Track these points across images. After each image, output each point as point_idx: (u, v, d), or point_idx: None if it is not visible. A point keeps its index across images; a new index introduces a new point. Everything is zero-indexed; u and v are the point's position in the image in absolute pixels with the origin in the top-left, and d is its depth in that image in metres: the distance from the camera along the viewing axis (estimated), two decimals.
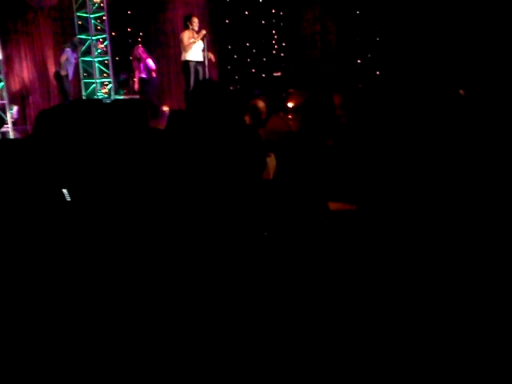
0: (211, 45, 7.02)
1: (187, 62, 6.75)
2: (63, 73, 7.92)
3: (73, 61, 8.15)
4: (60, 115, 2.31)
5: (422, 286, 2.07)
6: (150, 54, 9.33)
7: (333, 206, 2.57)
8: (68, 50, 8.02)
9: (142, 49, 9.11)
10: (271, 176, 2.99)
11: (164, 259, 2.11)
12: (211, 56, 6.97)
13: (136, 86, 9.12)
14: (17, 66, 8.84)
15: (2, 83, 8.01)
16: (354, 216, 2.52)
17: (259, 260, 2.24)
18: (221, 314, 1.97)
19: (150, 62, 9.08)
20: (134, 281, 2.02)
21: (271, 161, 3.04)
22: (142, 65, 8.96)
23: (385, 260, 2.26)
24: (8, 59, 8.51)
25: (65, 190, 2.09)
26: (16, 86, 8.83)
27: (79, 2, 9.45)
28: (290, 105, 7.86)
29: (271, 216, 2.52)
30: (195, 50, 6.71)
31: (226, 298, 2.03)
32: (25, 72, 8.97)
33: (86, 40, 9.53)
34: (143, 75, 8.97)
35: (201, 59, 6.75)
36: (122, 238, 2.15)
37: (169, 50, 10.31)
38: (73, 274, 2.01)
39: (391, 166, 2.89)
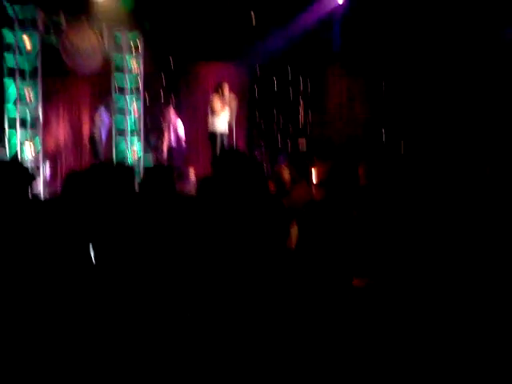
0: (239, 110, 7.21)
1: (213, 133, 6.88)
2: (97, 134, 8.20)
3: (106, 120, 8.44)
4: (88, 178, 2.38)
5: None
6: (180, 117, 9.64)
7: (356, 281, 2.51)
8: (102, 109, 8.35)
9: (173, 110, 9.41)
10: (293, 245, 2.96)
11: (185, 324, 2.09)
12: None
13: (165, 152, 9.36)
14: (54, 126, 9.22)
15: (39, 141, 8.34)
16: (378, 292, 2.46)
17: (281, 331, 2.18)
18: None
19: (180, 124, 9.33)
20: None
21: (294, 230, 3.03)
22: (172, 127, 9.20)
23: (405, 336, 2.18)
24: (46, 119, 8.89)
25: (91, 252, 2.11)
26: (51, 145, 9.17)
27: (117, 66, 9.96)
28: (315, 173, 7.93)
29: (293, 287, 2.47)
30: (222, 119, 6.85)
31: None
32: (60, 132, 9.34)
33: (120, 101, 9.98)
34: (172, 143, 9.20)
35: (225, 130, 6.87)
36: (145, 301, 2.14)
37: (199, 113, 10.67)
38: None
39: (415, 239, 2.85)
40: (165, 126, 9.35)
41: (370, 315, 2.32)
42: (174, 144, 9.24)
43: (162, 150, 9.57)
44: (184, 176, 9.05)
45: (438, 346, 2.13)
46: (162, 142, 9.55)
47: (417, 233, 2.90)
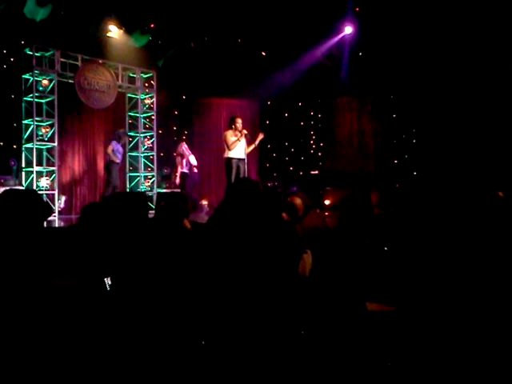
0: (252, 144, 7.31)
1: (229, 159, 7.03)
2: (113, 159, 8.37)
3: (120, 150, 8.61)
4: (105, 208, 2.42)
5: None
6: (193, 151, 9.80)
7: (371, 306, 2.49)
8: (113, 142, 8.53)
9: (185, 146, 9.60)
10: (307, 273, 2.95)
11: (199, 348, 2.08)
12: (260, 136, 7.20)
13: (177, 180, 9.50)
14: (69, 159, 9.43)
15: (55, 175, 8.53)
16: (393, 317, 2.43)
17: (296, 357, 2.16)
18: None
19: (192, 159, 9.51)
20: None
21: (308, 257, 3.02)
22: (184, 160, 9.38)
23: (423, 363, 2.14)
24: (62, 152, 9.12)
25: (106, 280, 2.13)
26: (67, 177, 9.35)
27: (132, 103, 10.23)
28: (327, 202, 7.94)
29: (308, 314, 2.46)
30: (238, 148, 7.00)
31: None
32: (76, 165, 9.53)
33: (134, 136, 10.21)
34: (185, 170, 9.36)
35: (243, 156, 7.02)
36: (158, 327, 2.14)
37: (211, 147, 10.83)
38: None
39: (430, 267, 2.83)
40: (178, 159, 9.50)
41: (383, 340, 2.29)
42: (186, 171, 9.38)
43: (174, 182, 9.70)
44: (197, 206, 9.13)
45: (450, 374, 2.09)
46: (175, 175, 9.69)
47: (430, 260, 2.89)
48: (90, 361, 1.99)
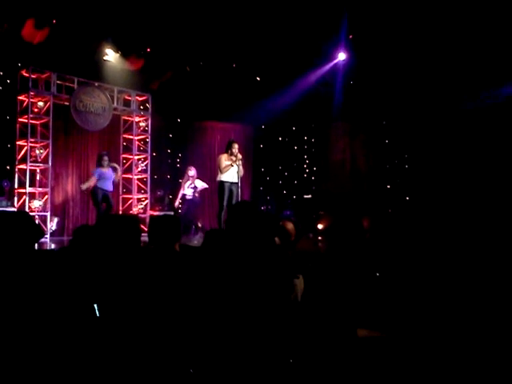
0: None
1: (222, 182, 7.07)
2: (84, 187, 8.02)
3: (106, 175, 8.16)
4: (96, 231, 2.42)
5: None
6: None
7: (361, 332, 2.49)
8: (98, 169, 8.05)
9: (192, 169, 9.37)
10: (299, 297, 2.95)
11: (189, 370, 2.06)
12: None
13: (176, 203, 9.44)
14: (63, 180, 9.40)
15: (48, 196, 8.50)
16: (383, 344, 2.43)
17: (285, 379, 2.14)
18: None
19: (199, 183, 9.39)
20: None
21: (299, 282, 3.02)
22: (188, 183, 9.23)
23: None
24: (55, 174, 9.10)
25: (95, 305, 2.12)
26: (59, 198, 9.31)
27: (126, 126, 10.29)
28: (320, 226, 7.95)
29: (297, 340, 2.44)
30: (230, 172, 7.04)
31: None
32: (69, 186, 9.50)
33: (128, 158, 10.23)
34: (186, 193, 9.25)
35: (235, 180, 7.05)
36: (147, 354, 2.12)
37: (205, 171, 10.85)
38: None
39: (421, 293, 2.83)
40: (183, 182, 9.36)
41: (374, 366, 2.28)
42: (190, 196, 9.29)
43: (167, 204, 9.63)
44: (191, 230, 9.08)
45: None
46: (169, 197, 9.66)
47: (421, 286, 2.89)
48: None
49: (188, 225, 9.11)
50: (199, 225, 9.48)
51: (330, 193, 10.59)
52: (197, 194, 9.37)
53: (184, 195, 9.32)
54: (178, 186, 9.68)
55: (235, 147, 7.10)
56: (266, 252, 2.62)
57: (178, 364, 2.14)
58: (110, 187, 8.12)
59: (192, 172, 9.27)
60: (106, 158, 8.16)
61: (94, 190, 7.95)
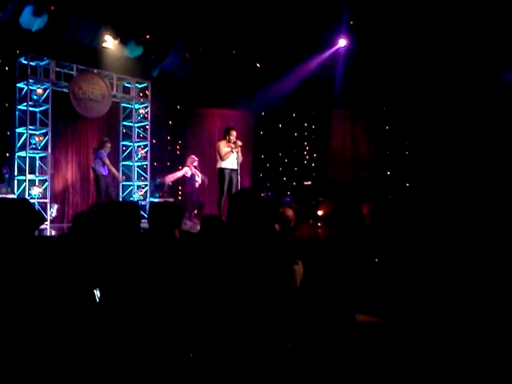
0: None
1: (222, 169, 7.07)
2: (97, 173, 8.28)
3: (102, 158, 8.37)
4: (96, 217, 2.42)
5: None
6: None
7: (360, 317, 2.50)
8: (100, 151, 8.39)
9: (197, 161, 9.39)
10: (298, 284, 2.95)
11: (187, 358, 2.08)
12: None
13: (168, 179, 9.48)
14: (62, 167, 9.40)
15: (47, 183, 8.50)
16: (382, 329, 2.44)
17: (283, 370, 2.16)
18: None
19: (198, 177, 9.36)
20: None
21: (299, 268, 3.03)
22: (191, 172, 9.23)
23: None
24: (55, 161, 9.10)
25: (96, 291, 2.13)
26: (59, 186, 9.31)
27: (126, 113, 10.25)
28: (320, 213, 7.96)
29: (296, 326, 2.46)
30: (230, 159, 7.03)
31: None
32: (69, 173, 9.50)
33: (128, 146, 10.22)
34: (188, 188, 9.31)
35: (235, 167, 7.04)
36: (147, 339, 2.13)
37: (205, 158, 10.82)
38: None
39: (420, 278, 2.84)
40: (187, 168, 9.33)
41: (373, 352, 2.29)
42: (190, 188, 9.31)
43: (166, 191, 9.66)
44: (191, 217, 9.07)
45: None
46: (168, 184, 9.67)
47: (421, 272, 2.90)
48: (78, 372, 1.98)
49: (193, 205, 9.13)
50: (195, 212, 9.45)
51: (330, 179, 10.58)
52: (197, 185, 9.36)
53: (185, 190, 9.36)
54: (177, 170, 9.68)
55: (233, 134, 7.07)
56: (266, 238, 2.62)
57: (178, 349, 2.16)
58: (106, 171, 8.46)
59: (196, 163, 9.30)
60: (108, 144, 8.54)
61: (98, 178, 8.15)
